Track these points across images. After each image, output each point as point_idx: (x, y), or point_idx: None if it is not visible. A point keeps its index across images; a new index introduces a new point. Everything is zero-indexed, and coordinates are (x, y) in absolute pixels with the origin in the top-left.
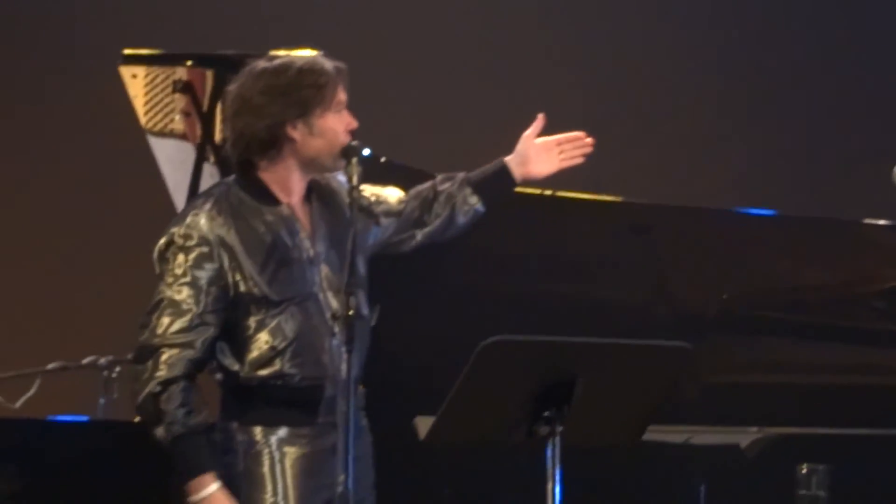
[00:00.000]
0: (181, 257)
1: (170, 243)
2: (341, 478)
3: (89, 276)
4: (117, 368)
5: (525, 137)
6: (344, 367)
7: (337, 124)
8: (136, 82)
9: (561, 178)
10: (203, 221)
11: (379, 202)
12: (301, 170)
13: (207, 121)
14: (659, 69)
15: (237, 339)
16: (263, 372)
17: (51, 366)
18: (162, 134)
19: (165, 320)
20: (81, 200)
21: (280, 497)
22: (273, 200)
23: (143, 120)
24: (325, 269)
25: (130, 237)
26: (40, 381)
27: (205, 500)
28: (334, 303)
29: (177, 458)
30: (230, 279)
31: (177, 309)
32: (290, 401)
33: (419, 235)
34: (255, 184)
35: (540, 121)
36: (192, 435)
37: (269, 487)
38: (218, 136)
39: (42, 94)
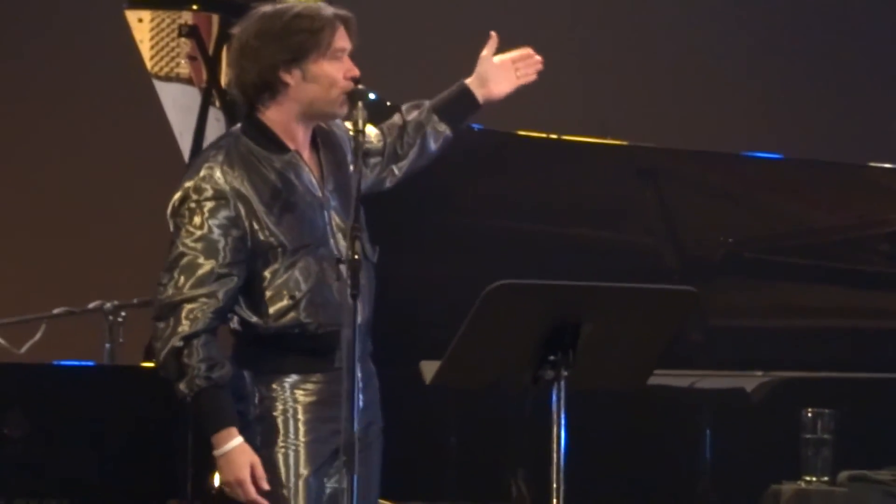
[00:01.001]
0: (197, 210)
1: (185, 198)
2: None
3: (95, 221)
4: (122, 313)
5: (482, 58)
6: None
7: (333, 70)
8: (142, 26)
9: (568, 122)
10: (217, 174)
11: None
12: (301, 116)
13: (213, 65)
14: (665, 11)
15: (253, 290)
16: (281, 322)
17: (56, 311)
18: (168, 78)
19: (185, 274)
20: (86, 145)
21: (291, 441)
22: (281, 147)
23: (148, 64)
24: (333, 214)
25: (136, 182)
26: (45, 326)
27: (228, 453)
28: (343, 247)
29: (199, 412)
30: (247, 229)
31: (196, 262)
32: (306, 348)
33: (396, 170)
34: (262, 131)
35: (493, 40)
36: (214, 389)
37: (281, 432)
38: (223, 81)
39: (47, 38)
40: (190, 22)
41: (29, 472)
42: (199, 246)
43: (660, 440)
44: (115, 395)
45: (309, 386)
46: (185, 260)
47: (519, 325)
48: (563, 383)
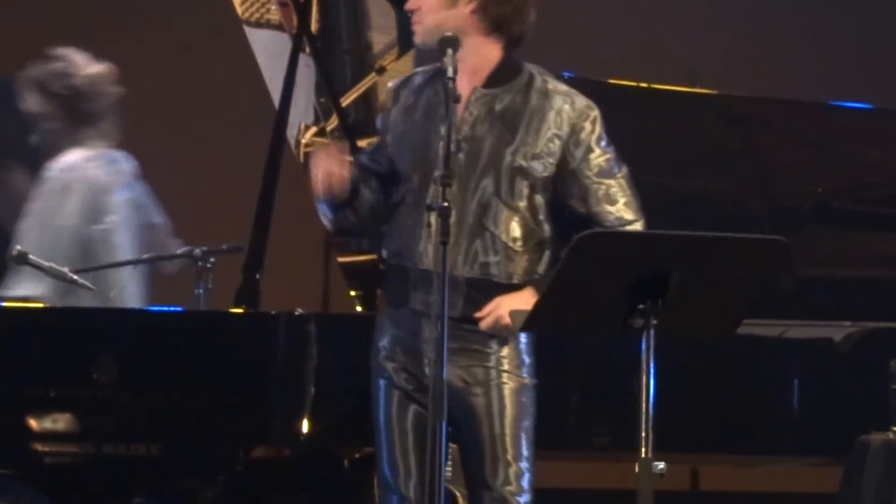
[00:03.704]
0: None
1: None
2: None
3: (184, 168)
4: (212, 259)
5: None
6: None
7: None
8: None
9: (658, 70)
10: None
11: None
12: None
13: (303, 11)
14: None
15: None
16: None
17: (145, 256)
18: (258, 24)
19: None
20: (176, 92)
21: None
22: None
23: (239, 10)
24: (463, 158)
25: (226, 128)
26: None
27: None
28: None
29: None
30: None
31: None
32: (389, 282)
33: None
34: None
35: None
36: None
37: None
38: (314, 27)
39: None
40: None
41: (118, 416)
42: None
43: (748, 390)
44: (205, 341)
45: (387, 323)
46: None
47: (608, 273)
48: (651, 331)
